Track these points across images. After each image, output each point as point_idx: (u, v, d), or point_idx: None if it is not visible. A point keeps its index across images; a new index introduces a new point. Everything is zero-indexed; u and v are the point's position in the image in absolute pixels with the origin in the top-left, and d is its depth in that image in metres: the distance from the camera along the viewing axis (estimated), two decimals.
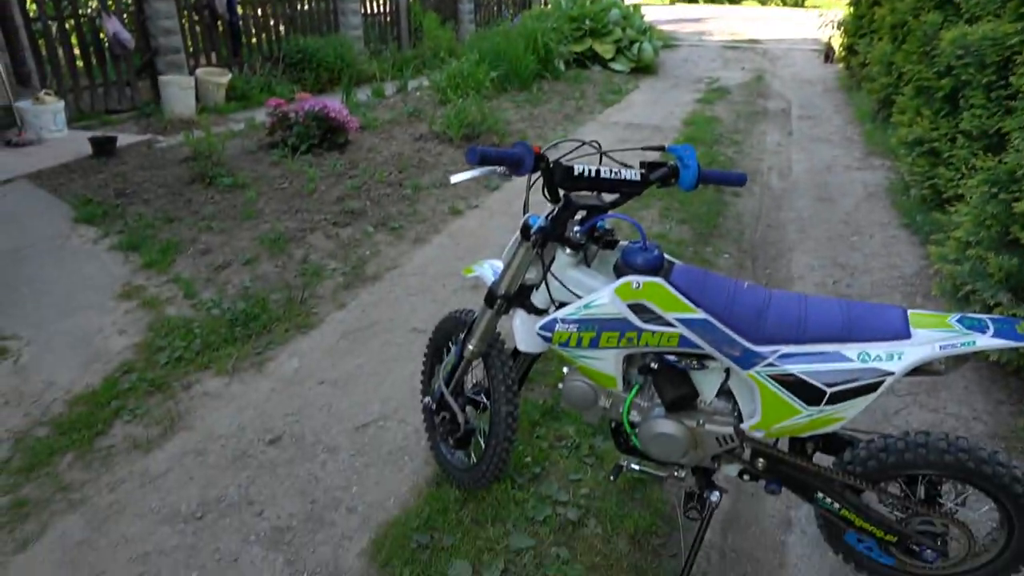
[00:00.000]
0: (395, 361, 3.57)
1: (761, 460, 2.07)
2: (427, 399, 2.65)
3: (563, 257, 2.05)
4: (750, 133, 8.45)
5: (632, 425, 2.14)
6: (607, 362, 1.99)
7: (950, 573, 2.14)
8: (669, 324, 1.87)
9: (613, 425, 2.22)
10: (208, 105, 8.70)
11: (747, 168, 7.07)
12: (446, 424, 2.52)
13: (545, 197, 1.99)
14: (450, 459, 2.72)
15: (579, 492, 2.68)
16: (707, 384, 2.03)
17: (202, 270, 4.50)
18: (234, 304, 4.04)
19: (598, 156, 2.09)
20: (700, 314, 1.86)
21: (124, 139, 6.99)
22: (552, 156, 1.98)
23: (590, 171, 1.93)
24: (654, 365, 2.02)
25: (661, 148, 2.11)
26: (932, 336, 1.78)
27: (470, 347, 2.35)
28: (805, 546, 2.48)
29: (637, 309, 1.89)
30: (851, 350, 1.81)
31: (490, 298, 2.22)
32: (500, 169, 1.89)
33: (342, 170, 6.37)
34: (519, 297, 2.21)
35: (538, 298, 2.16)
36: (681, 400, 1.99)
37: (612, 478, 2.26)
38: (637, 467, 2.24)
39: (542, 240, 2.01)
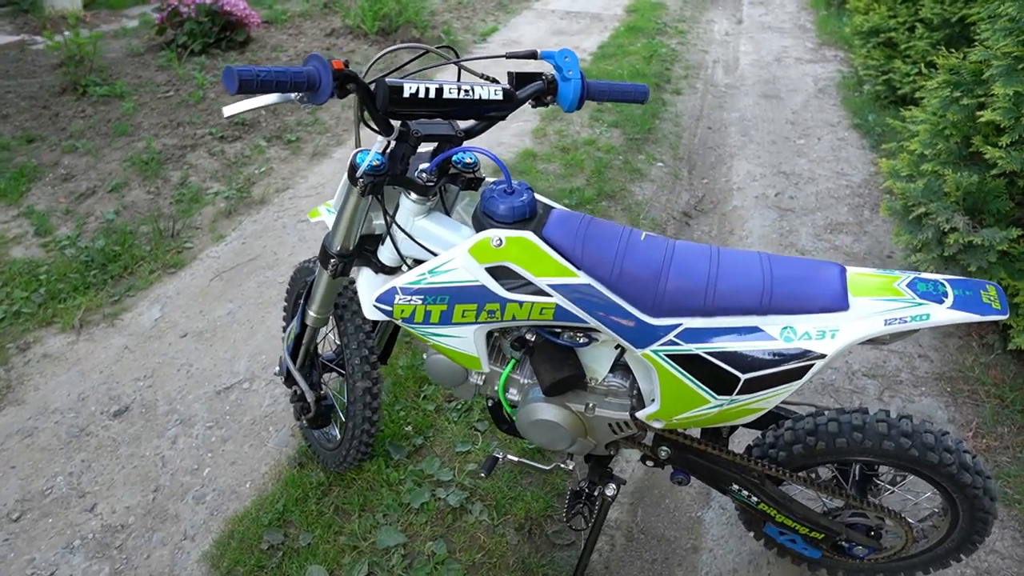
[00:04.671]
0: (272, 305, 3.08)
1: (664, 449, 1.69)
2: (276, 369, 2.19)
3: (407, 204, 1.56)
4: (697, 21, 7.82)
5: (512, 404, 1.72)
6: (465, 340, 1.54)
7: (883, 565, 1.83)
8: (541, 292, 1.43)
9: (490, 404, 1.80)
10: None
11: (692, 61, 6.50)
12: (296, 402, 2.06)
13: (370, 128, 1.45)
14: (315, 434, 2.29)
15: (464, 469, 2.28)
16: (597, 362, 1.61)
17: (61, 200, 3.89)
18: (93, 241, 3.47)
19: (456, 69, 1.58)
20: (582, 278, 1.41)
21: None
22: (393, 74, 1.43)
23: (427, 90, 1.39)
24: (531, 338, 1.58)
25: (533, 55, 1.59)
26: (875, 307, 1.36)
27: (311, 314, 1.88)
28: (723, 525, 2.14)
29: (499, 273, 1.43)
30: (772, 325, 1.39)
31: (324, 257, 1.71)
32: (295, 95, 1.35)
33: None
34: (363, 252, 1.72)
35: (385, 253, 1.68)
36: (562, 384, 1.57)
37: (483, 474, 1.84)
38: (516, 458, 1.84)
39: (371, 185, 1.49)
